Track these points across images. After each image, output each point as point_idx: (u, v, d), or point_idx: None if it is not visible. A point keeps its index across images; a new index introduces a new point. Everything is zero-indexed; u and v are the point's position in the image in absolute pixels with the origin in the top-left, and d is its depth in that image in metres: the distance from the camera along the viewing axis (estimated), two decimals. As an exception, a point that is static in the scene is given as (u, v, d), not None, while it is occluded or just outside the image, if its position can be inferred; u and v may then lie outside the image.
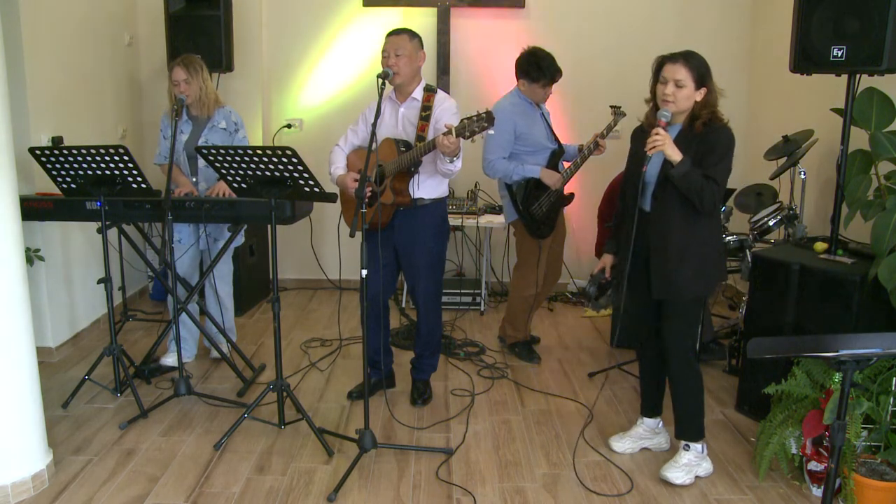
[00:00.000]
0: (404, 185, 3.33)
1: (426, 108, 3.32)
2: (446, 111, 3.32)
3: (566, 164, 4.08)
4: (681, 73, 2.70)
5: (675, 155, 2.68)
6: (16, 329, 2.78)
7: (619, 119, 4.00)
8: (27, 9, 3.84)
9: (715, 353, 4.17)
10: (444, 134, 3.00)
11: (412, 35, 3.32)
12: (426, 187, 3.40)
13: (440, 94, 3.39)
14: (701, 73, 2.70)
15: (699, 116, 2.72)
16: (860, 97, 3.27)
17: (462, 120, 2.97)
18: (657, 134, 2.68)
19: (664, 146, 2.68)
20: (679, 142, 2.75)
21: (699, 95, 2.72)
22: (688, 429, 2.97)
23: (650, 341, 3.06)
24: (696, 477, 2.96)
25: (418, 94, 3.36)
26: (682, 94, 2.71)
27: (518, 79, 3.96)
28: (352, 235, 2.94)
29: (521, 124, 3.90)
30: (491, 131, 2.96)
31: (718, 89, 2.76)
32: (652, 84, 2.81)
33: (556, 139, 4.10)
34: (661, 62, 2.77)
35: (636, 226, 2.85)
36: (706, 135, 2.71)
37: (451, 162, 3.17)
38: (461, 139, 3.01)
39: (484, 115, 2.92)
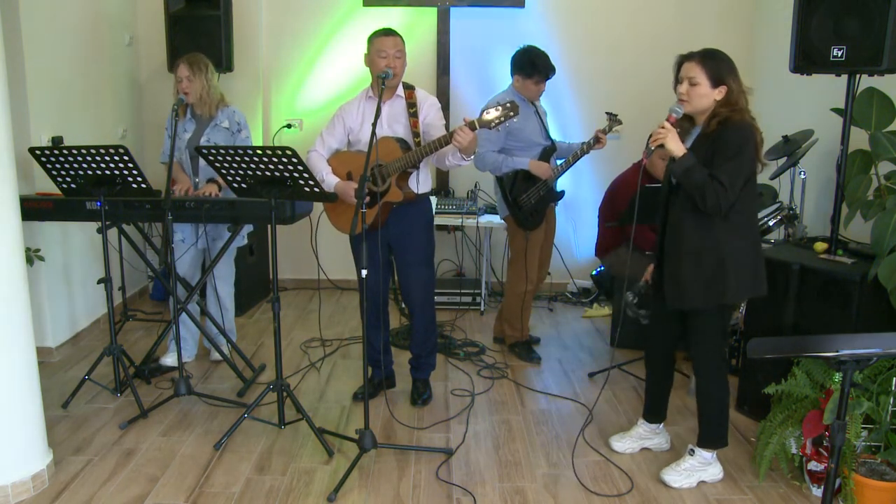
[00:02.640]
0: (406, 182, 3.34)
1: (412, 105, 3.36)
2: (433, 107, 3.40)
3: (559, 162, 4.10)
4: (694, 70, 2.67)
5: (677, 150, 2.66)
6: (16, 329, 2.78)
7: (615, 125, 4.00)
8: (27, 9, 3.84)
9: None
10: (460, 128, 3.03)
11: (401, 36, 3.36)
12: (423, 182, 3.43)
13: (419, 91, 3.44)
14: (717, 71, 2.65)
15: (717, 115, 2.67)
16: (860, 97, 3.27)
17: (485, 111, 3.05)
18: (662, 127, 2.68)
19: (666, 139, 2.66)
20: (697, 142, 2.73)
21: (718, 94, 2.67)
22: (709, 437, 2.93)
23: (663, 347, 3.05)
24: (702, 482, 2.94)
25: (401, 91, 3.39)
26: (696, 93, 2.67)
27: (512, 75, 4.00)
28: (352, 236, 2.94)
29: (513, 120, 3.91)
30: (515, 120, 3.02)
31: (746, 88, 2.70)
32: (674, 84, 2.77)
33: (550, 137, 4.13)
34: (680, 61, 2.75)
35: (661, 230, 2.85)
36: (719, 134, 2.65)
37: (465, 159, 3.21)
38: (475, 134, 3.07)
39: (508, 104, 3.01)
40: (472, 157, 3.25)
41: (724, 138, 2.63)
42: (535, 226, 4.06)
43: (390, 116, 3.39)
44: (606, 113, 4.04)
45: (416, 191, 3.38)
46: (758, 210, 2.88)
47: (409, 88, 3.40)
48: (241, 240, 3.96)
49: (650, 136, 2.74)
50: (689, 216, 2.73)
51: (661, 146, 2.71)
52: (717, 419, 2.91)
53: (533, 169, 3.94)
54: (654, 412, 3.18)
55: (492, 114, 3.04)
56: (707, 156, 2.66)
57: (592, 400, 3.70)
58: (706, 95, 2.68)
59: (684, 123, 2.81)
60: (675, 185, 2.79)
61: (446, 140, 3.10)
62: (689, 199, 2.70)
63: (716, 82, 2.66)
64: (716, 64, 2.67)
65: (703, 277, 2.72)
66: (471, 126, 3.03)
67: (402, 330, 4.64)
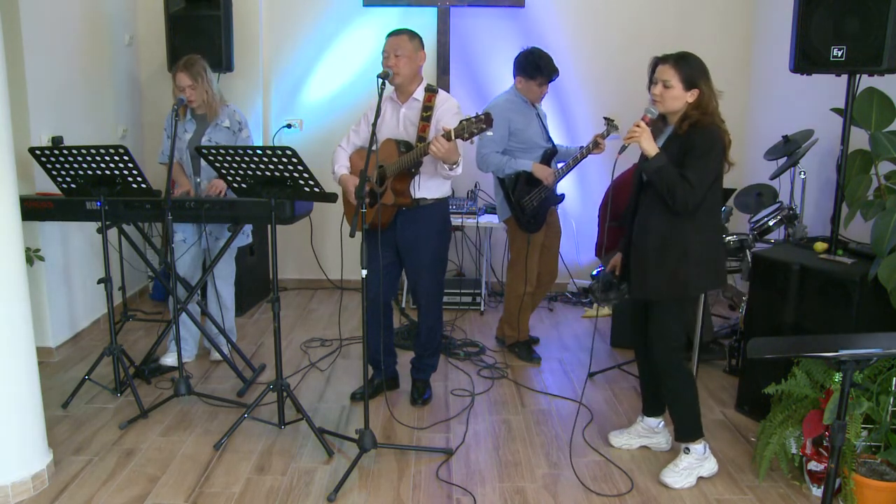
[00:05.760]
0: (405, 186, 3.32)
1: (427, 109, 3.32)
2: (447, 112, 3.32)
3: (560, 165, 4.09)
4: (668, 73, 2.73)
5: (650, 149, 2.73)
6: (16, 329, 2.78)
7: (612, 131, 3.98)
8: (27, 9, 3.84)
9: (715, 353, 4.17)
10: (435, 138, 3.01)
11: (412, 35, 3.32)
12: (427, 188, 3.40)
13: (441, 94, 3.38)
14: (690, 74, 2.72)
15: (688, 117, 2.74)
16: (860, 97, 3.27)
17: (461, 121, 2.98)
18: (637, 126, 2.74)
19: (640, 138, 2.72)
20: (668, 141, 2.80)
21: (691, 97, 2.73)
22: (683, 430, 2.96)
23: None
24: (700, 478, 2.95)
25: (419, 94, 3.36)
26: (670, 95, 2.74)
27: (515, 76, 3.99)
28: (352, 235, 2.94)
29: (516, 121, 3.93)
30: (489, 132, 2.98)
31: (717, 92, 2.77)
32: (648, 84, 2.84)
33: (551, 140, 4.13)
34: (655, 63, 2.81)
35: (631, 225, 2.91)
36: (689, 135, 2.73)
37: (451, 169, 3.19)
38: (455, 143, 3.04)
39: (483, 116, 2.94)
40: (457, 168, 3.21)
41: (694, 140, 2.72)
42: (536, 228, 4.06)
43: (406, 119, 3.38)
44: (604, 118, 4.04)
45: (414, 195, 3.36)
46: (722, 207, 2.95)
47: (430, 91, 3.36)
48: (246, 238, 3.97)
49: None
50: (657, 213, 2.82)
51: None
52: (687, 410, 2.95)
53: (536, 172, 3.93)
54: (652, 405, 3.20)
55: (464, 125, 2.96)
56: (677, 156, 2.74)
57: (592, 400, 3.70)
58: (679, 98, 2.74)
59: (658, 123, 2.89)
60: (644, 181, 2.88)
61: (426, 149, 3.09)
62: (657, 196, 2.78)
63: (689, 85, 2.73)
64: (689, 68, 2.73)
65: (667, 269, 2.82)
66: (446, 136, 2.99)
67: (403, 330, 4.64)
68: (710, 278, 2.89)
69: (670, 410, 2.99)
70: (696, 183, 2.68)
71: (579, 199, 5.45)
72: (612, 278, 3.13)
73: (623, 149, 2.82)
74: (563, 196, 4.20)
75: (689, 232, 2.79)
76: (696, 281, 2.84)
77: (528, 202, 3.97)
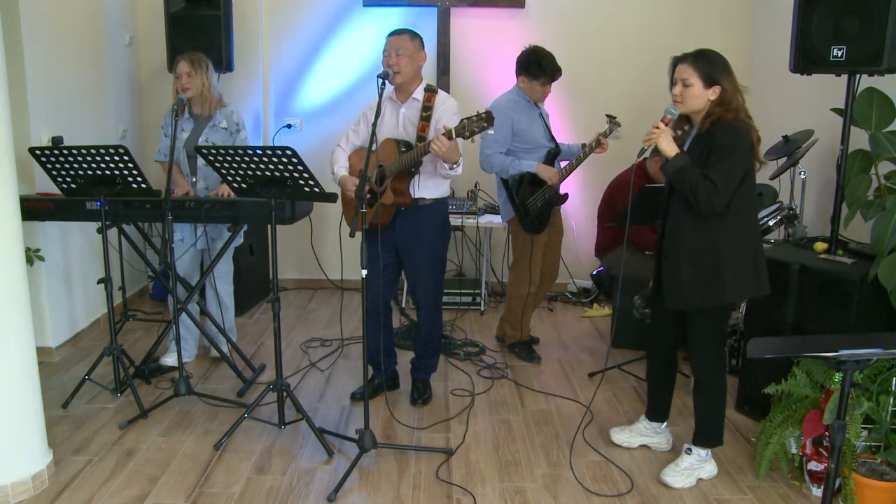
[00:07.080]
0: (405, 186, 3.32)
1: (427, 109, 3.32)
2: (447, 111, 3.32)
3: (563, 164, 4.08)
4: (686, 72, 2.68)
5: (670, 150, 2.68)
6: (16, 329, 2.78)
7: (615, 128, 3.97)
8: (27, 8, 3.84)
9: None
10: (436, 137, 3.01)
11: (413, 35, 3.32)
12: (427, 187, 3.40)
13: (441, 94, 3.38)
14: (710, 71, 2.66)
15: (710, 115, 2.68)
16: (860, 97, 3.27)
17: (462, 120, 2.99)
18: (656, 128, 2.69)
19: (659, 139, 2.68)
20: (693, 142, 2.74)
21: (712, 94, 2.67)
22: (705, 436, 2.94)
23: (664, 348, 3.04)
24: (699, 479, 2.95)
25: (419, 94, 3.36)
26: (690, 94, 2.68)
27: (518, 76, 3.98)
28: (352, 235, 2.94)
29: (519, 121, 3.92)
30: (490, 131, 2.98)
31: (741, 87, 2.72)
32: (669, 86, 2.78)
33: (554, 139, 4.12)
34: (674, 63, 2.76)
35: (661, 231, 2.86)
36: (712, 133, 2.67)
37: (452, 168, 3.19)
38: (456, 142, 3.04)
39: (483, 114, 2.93)
40: (457, 167, 3.22)
41: (717, 138, 2.65)
42: (540, 229, 4.04)
43: (405, 118, 3.38)
44: (606, 115, 4.03)
45: (413, 195, 3.36)
46: (757, 208, 2.87)
47: (430, 91, 3.36)
48: (238, 239, 3.96)
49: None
50: (686, 217, 2.75)
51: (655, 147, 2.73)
52: (714, 418, 2.92)
53: (540, 172, 3.92)
54: (657, 411, 3.19)
55: (465, 124, 2.96)
56: (701, 156, 2.68)
57: (592, 400, 3.70)
58: (699, 96, 2.69)
59: (683, 125, 2.82)
60: (670, 185, 2.81)
61: (427, 149, 3.09)
62: (685, 201, 2.71)
63: (709, 83, 2.67)
64: (708, 64, 2.67)
65: (701, 278, 2.73)
66: (447, 135, 2.99)
67: (403, 330, 4.64)
68: (749, 283, 2.76)
69: (697, 417, 2.95)
70: (720, 182, 2.58)
71: (579, 199, 5.44)
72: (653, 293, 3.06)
73: (642, 151, 2.76)
74: (566, 196, 4.18)
75: (722, 237, 2.69)
76: (732, 287, 2.72)
77: (533, 203, 3.96)
